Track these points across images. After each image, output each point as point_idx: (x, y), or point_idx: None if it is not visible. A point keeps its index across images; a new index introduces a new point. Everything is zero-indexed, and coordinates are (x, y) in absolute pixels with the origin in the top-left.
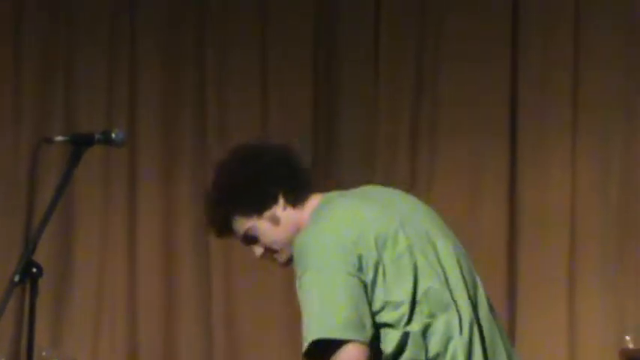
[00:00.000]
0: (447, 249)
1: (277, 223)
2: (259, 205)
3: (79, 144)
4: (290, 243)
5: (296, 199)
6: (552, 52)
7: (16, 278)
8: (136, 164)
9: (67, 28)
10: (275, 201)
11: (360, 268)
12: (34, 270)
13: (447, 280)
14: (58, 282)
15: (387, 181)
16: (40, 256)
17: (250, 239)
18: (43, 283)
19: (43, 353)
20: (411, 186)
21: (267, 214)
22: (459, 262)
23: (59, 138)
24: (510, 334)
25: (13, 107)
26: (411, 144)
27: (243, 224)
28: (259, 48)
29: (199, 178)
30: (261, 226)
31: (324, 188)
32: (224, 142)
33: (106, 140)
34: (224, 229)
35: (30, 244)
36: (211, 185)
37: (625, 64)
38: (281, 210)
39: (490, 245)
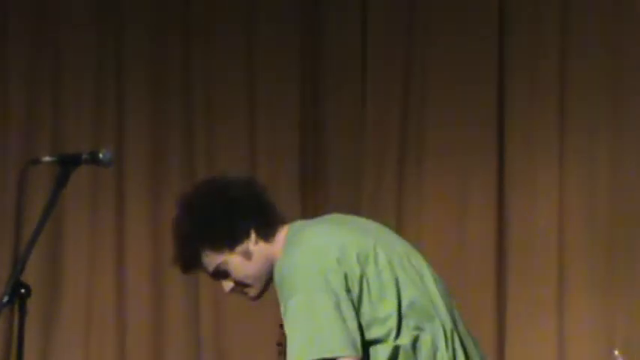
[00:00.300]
0: (421, 264)
1: (249, 257)
2: (232, 240)
3: (67, 164)
4: (261, 277)
5: (267, 232)
6: (540, 74)
7: (5, 299)
8: (124, 185)
9: (53, 50)
10: (247, 235)
11: (347, 287)
12: (23, 290)
13: (427, 292)
14: (46, 302)
15: (375, 201)
16: (29, 276)
17: (221, 274)
18: (32, 304)
19: None
20: (398, 205)
21: (240, 248)
22: (433, 276)
23: (46, 158)
24: (500, 350)
25: (0, 128)
26: (399, 164)
27: (215, 259)
28: (246, 69)
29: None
30: (233, 260)
31: (313, 208)
32: (211, 164)
33: (94, 160)
34: (193, 264)
35: (18, 265)
36: (179, 220)
37: (612, 84)
38: (253, 244)
39: (478, 265)
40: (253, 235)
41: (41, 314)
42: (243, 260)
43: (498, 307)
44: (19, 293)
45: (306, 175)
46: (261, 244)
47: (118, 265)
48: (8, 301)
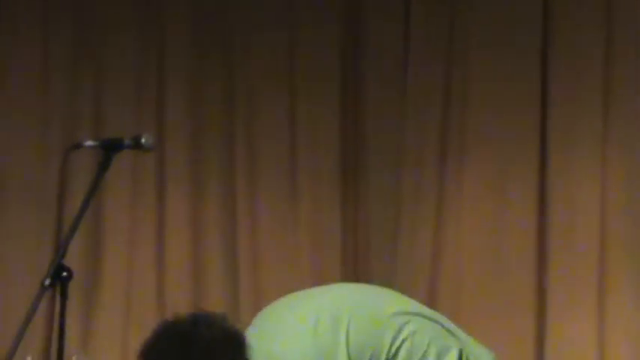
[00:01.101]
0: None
1: None
2: None
3: (109, 149)
4: None
5: None
6: (584, 62)
7: (47, 282)
8: (164, 170)
9: (95, 35)
10: None
11: None
12: (65, 274)
13: None
14: (87, 286)
15: (415, 191)
16: (70, 260)
17: None
18: (73, 287)
19: (73, 357)
20: (439, 196)
21: None
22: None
23: (89, 143)
24: (539, 341)
25: (42, 113)
26: (439, 154)
27: None
28: (288, 58)
29: (228, 184)
30: None
31: (353, 199)
32: (251, 149)
33: (136, 145)
34: None
35: (60, 249)
36: None
37: None
38: None
39: (518, 254)
40: None
41: (82, 298)
42: None
43: (538, 297)
44: (60, 277)
45: (347, 167)
46: None
47: (158, 249)
48: (50, 285)
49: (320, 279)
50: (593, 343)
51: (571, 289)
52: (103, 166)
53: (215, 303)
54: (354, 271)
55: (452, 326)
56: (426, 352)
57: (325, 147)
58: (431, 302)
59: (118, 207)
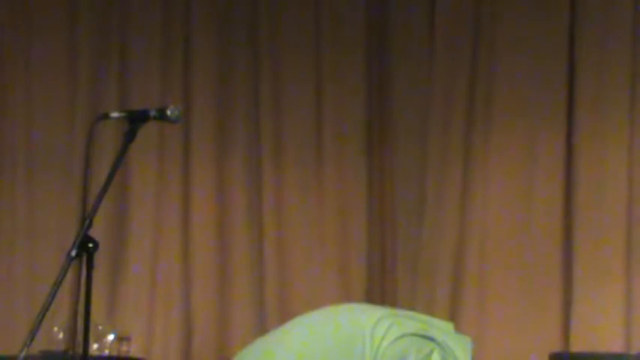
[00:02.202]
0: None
1: None
2: None
3: (135, 120)
4: None
5: None
6: (611, 33)
7: (73, 253)
8: (190, 141)
9: (121, 6)
10: None
11: None
12: (91, 245)
13: None
14: (113, 257)
15: (441, 165)
16: (96, 231)
17: None
18: (99, 258)
19: (99, 327)
20: (465, 168)
21: None
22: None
23: (115, 114)
24: (566, 311)
25: (69, 84)
26: (466, 126)
27: None
28: (313, 21)
29: (252, 154)
30: None
31: (379, 170)
32: (277, 119)
33: (162, 117)
34: None
35: (86, 220)
36: None
37: None
38: None
39: (546, 226)
40: None
41: (108, 268)
42: None
43: (565, 268)
44: (86, 247)
45: (372, 135)
46: None
47: (183, 219)
48: (76, 255)
49: (345, 245)
50: (619, 315)
51: (598, 259)
52: (129, 137)
53: (240, 272)
54: (381, 239)
55: (426, 324)
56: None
57: (351, 115)
58: (457, 272)
59: (144, 178)
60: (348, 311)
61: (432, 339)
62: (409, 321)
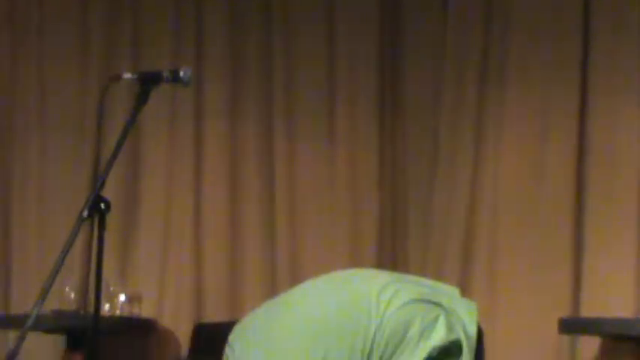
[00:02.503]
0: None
1: None
2: None
3: (147, 82)
4: None
5: None
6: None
7: (85, 213)
8: (203, 103)
9: None
10: None
11: None
12: (102, 205)
13: None
14: (125, 218)
15: (454, 122)
16: (108, 192)
17: None
18: (111, 219)
19: (111, 288)
20: (477, 126)
21: None
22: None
23: (127, 76)
24: (577, 270)
25: (81, 46)
26: (479, 84)
27: None
28: None
29: (265, 116)
30: None
31: (390, 129)
32: (290, 79)
33: (174, 79)
34: None
35: (98, 181)
36: None
37: None
38: None
39: (558, 183)
40: None
41: (120, 229)
42: None
43: (576, 234)
44: (98, 208)
45: (385, 98)
46: None
47: (195, 180)
48: (88, 216)
49: (357, 211)
50: (630, 281)
51: (609, 225)
52: (141, 99)
53: (252, 233)
54: (392, 205)
55: (432, 289)
56: (410, 321)
57: (364, 79)
58: (467, 238)
59: (156, 140)
60: (354, 277)
61: (438, 304)
62: (415, 286)
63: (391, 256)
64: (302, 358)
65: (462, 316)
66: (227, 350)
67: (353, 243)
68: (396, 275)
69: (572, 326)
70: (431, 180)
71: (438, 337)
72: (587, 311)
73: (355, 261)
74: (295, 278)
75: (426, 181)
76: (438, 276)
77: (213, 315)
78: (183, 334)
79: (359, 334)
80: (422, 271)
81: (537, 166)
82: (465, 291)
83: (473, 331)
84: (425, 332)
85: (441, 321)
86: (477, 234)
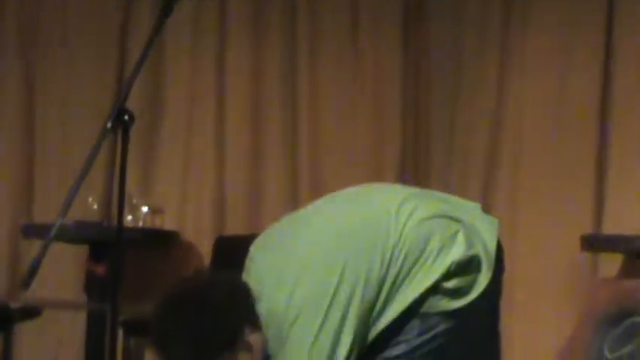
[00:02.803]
0: None
1: (251, 349)
2: (229, 345)
3: None
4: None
5: (255, 318)
6: None
7: (109, 125)
8: (226, 19)
9: None
10: (242, 330)
11: None
12: (126, 117)
13: None
14: (148, 131)
15: (478, 53)
16: (132, 104)
17: None
18: (135, 131)
19: (133, 199)
20: (501, 56)
21: (239, 346)
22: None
23: None
24: (598, 195)
25: None
26: (504, 13)
27: None
28: None
29: (288, 29)
30: (237, 359)
31: (415, 51)
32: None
33: None
34: None
35: (122, 92)
36: (169, 351)
37: None
38: (249, 334)
39: (581, 107)
40: (247, 327)
41: (143, 141)
42: (246, 354)
43: (599, 152)
44: (122, 120)
45: (409, 15)
46: (256, 333)
47: (218, 93)
48: (112, 128)
49: (379, 129)
50: None
51: (632, 142)
52: (165, 12)
53: (274, 146)
54: (414, 129)
55: (453, 205)
56: (429, 237)
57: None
58: (490, 156)
59: (180, 54)
60: (375, 191)
61: (458, 220)
62: (435, 202)
63: (414, 181)
64: (321, 270)
65: (482, 232)
66: (248, 262)
67: (375, 167)
68: (417, 190)
69: (594, 243)
70: (454, 105)
71: (457, 252)
72: (609, 228)
73: (376, 176)
74: (317, 193)
75: (449, 107)
76: (460, 192)
77: (235, 228)
78: (204, 246)
79: (377, 247)
80: (444, 187)
81: (562, 85)
82: (487, 212)
83: (493, 247)
84: (444, 247)
85: (460, 236)
86: (499, 153)
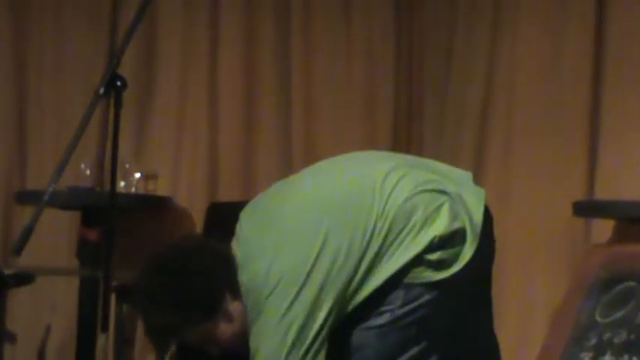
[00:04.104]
0: None
1: (232, 318)
2: (209, 312)
3: None
4: (246, 333)
5: (236, 288)
6: None
7: (101, 91)
8: None
9: None
10: (222, 298)
11: None
12: (119, 83)
13: None
14: (141, 95)
15: (470, 13)
16: (124, 69)
17: (206, 344)
18: (128, 98)
19: (126, 165)
20: (494, 21)
21: (220, 314)
22: None
23: None
24: (591, 160)
25: None
26: None
27: (197, 333)
28: None
29: (282, 5)
30: (216, 328)
31: (408, 23)
32: None
33: None
34: (175, 343)
35: (114, 58)
36: (148, 313)
37: None
38: (229, 304)
39: (574, 72)
40: (228, 296)
41: (136, 107)
42: (226, 324)
43: (592, 117)
44: (114, 85)
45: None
46: (236, 303)
47: (211, 57)
48: (104, 94)
49: (372, 94)
50: None
51: (625, 107)
52: None
53: (267, 109)
54: (408, 88)
55: (441, 175)
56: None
57: None
58: (483, 121)
59: (173, 17)
60: (362, 161)
61: (443, 191)
62: (423, 172)
63: (406, 146)
64: (302, 241)
65: (469, 204)
66: (237, 229)
67: (368, 132)
68: (406, 159)
69: (586, 209)
70: (447, 71)
71: (440, 226)
72: (602, 194)
73: (370, 142)
74: (310, 159)
75: (442, 73)
76: (453, 158)
77: (228, 194)
78: (197, 212)
79: (360, 219)
80: (436, 153)
81: (555, 49)
82: (480, 177)
83: (479, 218)
84: (428, 220)
85: (445, 210)
86: (492, 117)
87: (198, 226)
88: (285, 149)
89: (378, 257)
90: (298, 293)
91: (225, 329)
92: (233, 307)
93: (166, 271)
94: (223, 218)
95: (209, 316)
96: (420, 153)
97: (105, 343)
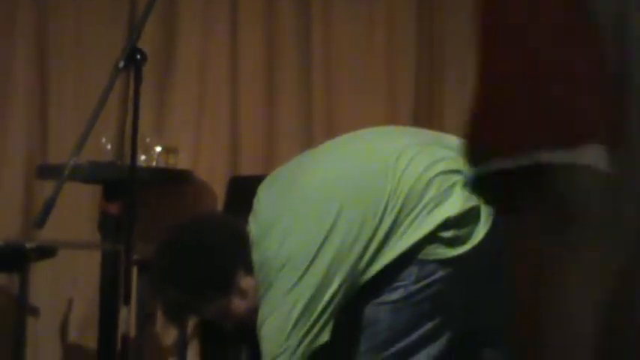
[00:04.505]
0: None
1: (245, 295)
2: (223, 288)
3: None
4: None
5: (249, 264)
6: None
7: (121, 64)
8: None
9: None
10: (236, 274)
11: None
12: (139, 57)
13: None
14: (161, 69)
15: None
16: (144, 43)
17: (221, 319)
18: (147, 71)
19: (147, 139)
20: None
21: (233, 290)
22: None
23: None
24: None
25: None
26: None
27: (212, 310)
28: None
29: None
30: (229, 304)
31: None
32: None
33: None
34: (193, 317)
35: (134, 31)
36: (163, 291)
37: None
38: (243, 281)
39: None
40: (241, 272)
41: (156, 81)
42: (240, 300)
43: None
44: (134, 59)
45: None
46: (249, 278)
47: (232, 32)
48: (124, 67)
49: (393, 70)
50: None
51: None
52: None
53: (288, 88)
54: (429, 70)
55: (457, 151)
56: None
57: None
58: None
59: None
60: (379, 137)
61: (457, 170)
62: (437, 149)
63: (427, 114)
64: (316, 214)
65: None
66: (255, 203)
67: (389, 101)
68: (423, 136)
69: None
70: (469, 53)
71: (453, 206)
72: None
73: (390, 118)
74: (331, 133)
75: (463, 54)
76: None
77: (249, 168)
78: (218, 186)
79: (374, 194)
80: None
81: None
82: None
83: None
84: (441, 198)
85: (458, 189)
86: None
87: (219, 199)
88: (306, 121)
89: (390, 234)
90: (308, 268)
91: (239, 305)
92: (246, 283)
93: (179, 249)
94: (244, 192)
95: (222, 292)
96: (441, 126)
97: (127, 316)
